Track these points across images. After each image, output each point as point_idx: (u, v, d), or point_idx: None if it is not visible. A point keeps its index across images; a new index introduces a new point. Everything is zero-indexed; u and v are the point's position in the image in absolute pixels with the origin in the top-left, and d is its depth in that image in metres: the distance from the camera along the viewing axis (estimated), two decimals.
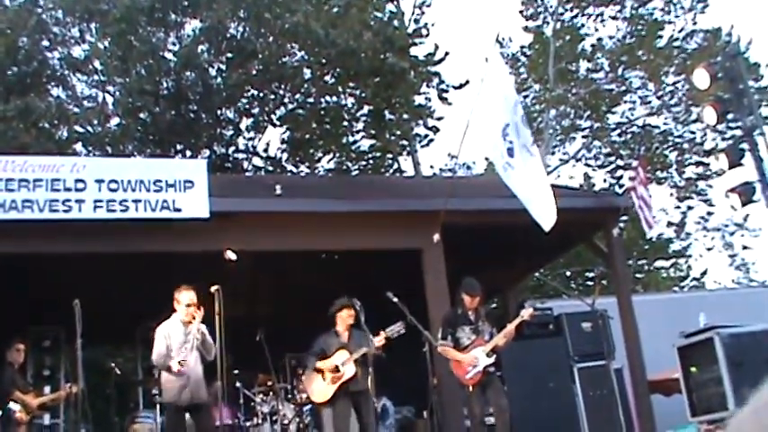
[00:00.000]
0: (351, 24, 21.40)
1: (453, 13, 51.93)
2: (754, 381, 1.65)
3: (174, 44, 22.28)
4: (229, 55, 22.11)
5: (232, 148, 24.37)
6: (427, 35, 24.83)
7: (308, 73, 22.95)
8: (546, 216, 9.17)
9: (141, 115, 22.05)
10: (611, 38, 28.14)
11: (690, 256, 31.58)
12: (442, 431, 11.16)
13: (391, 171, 26.56)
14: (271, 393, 12.07)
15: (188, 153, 22.36)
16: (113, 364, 13.76)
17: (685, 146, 28.14)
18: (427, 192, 13.58)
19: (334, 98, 24.30)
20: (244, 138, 24.71)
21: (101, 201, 9.84)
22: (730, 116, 10.59)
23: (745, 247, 31.76)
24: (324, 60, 21.97)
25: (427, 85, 24.75)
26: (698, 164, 28.12)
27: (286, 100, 23.85)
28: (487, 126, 10.15)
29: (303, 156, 25.53)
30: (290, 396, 12.17)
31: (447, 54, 24.18)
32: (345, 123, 25.29)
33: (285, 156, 25.34)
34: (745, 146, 10.18)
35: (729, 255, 32.31)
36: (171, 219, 10.11)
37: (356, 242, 11.32)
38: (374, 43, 21.61)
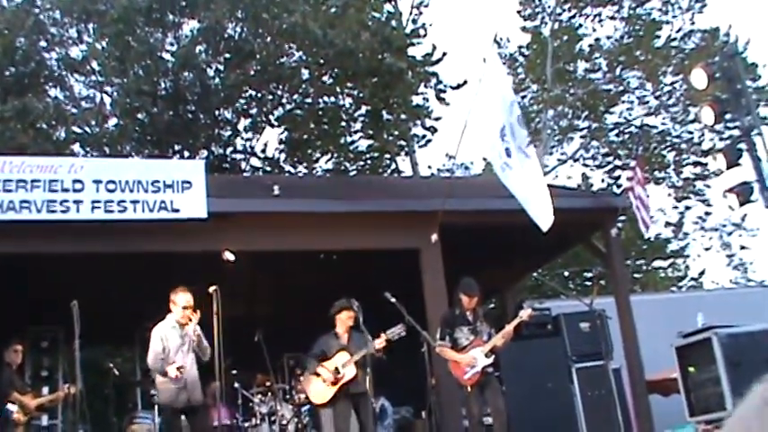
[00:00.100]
0: (349, 25, 21.41)
1: (451, 13, 52.00)
2: (752, 381, 1.65)
3: (171, 45, 22.27)
4: (227, 55, 22.11)
5: (230, 149, 24.38)
6: (425, 35, 24.87)
7: (305, 73, 22.97)
8: (543, 217, 9.17)
9: (139, 116, 22.03)
10: (608, 38, 28.22)
11: (688, 256, 31.62)
12: (440, 431, 11.16)
13: (389, 171, 26.57)
14: (269, 394, 12.08)
15: (186, 153, 22.35)
16: (111, 365, 13.74)
17: (683, 146, 28.17)
18: (425, 192, 13.58)
19: (332, 98, 24.32)
20: (242, 138, 24.75)
21: (99, 201, 9.83)
22: (728, 116, 10.58)
23: (742, 247, 31.79)
24: (322, 61, 21.98)
25: (425, 86, 24.78)
26: (696, 164, 28.15)
27: (284, 100, 23.85)
28: (485, 126, 10.15)
29: (301, 156, 25.54)
30: (288, 396, 12.18)
31: (445, 54, 24.23)
32: (343, 124, 25.31)
33: (283, 156, 25.35)
34: (742, 146, 10.18)
35: (727, 255, 32.32)
36: (169, 219, 10.10)
37: (354, 242, 11.32)
38: (372, 43, 21.62)
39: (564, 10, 28.15)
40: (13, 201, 9.52)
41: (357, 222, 11.26)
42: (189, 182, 10.29)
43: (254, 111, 23.83)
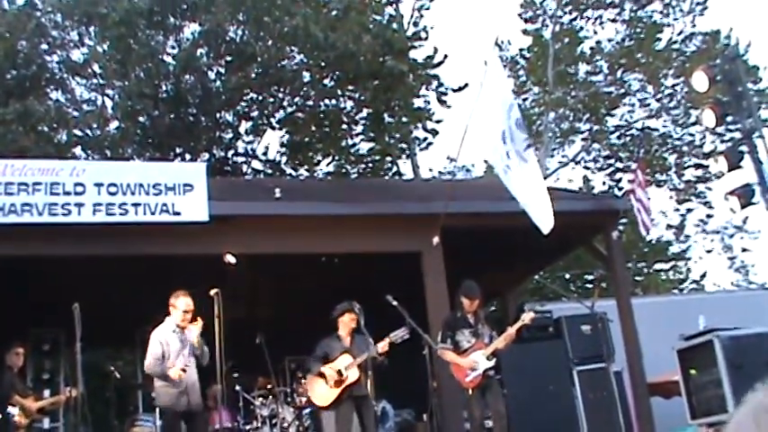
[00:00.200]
0: (350, 27, 21.43)
1: (452, 15, 52.01)
2: (753, 383, 1.65)
3: (173, 47, 22.29)
4: (228, 58, 22.12)
5: (231, 152, 24.39)
6: (426, 38, 24.90)
7: (307, 76, 22.98)
8: (544, 220, 9.17)
9: (140, 119, 22.07)
10: (610, 41, 28.22)
11: (689, 258, 31.61)
12: None
13: (390, 174, 26.57)
14: (270, 396, 12.07)
15: (187, 156, 22.36)
16: (113, 368, 13.73)
17: (684, 148, 28.16)
18: (427, 195, 13.57)
19: (334, 101, 24.33)
20: (243, 141, 24.76)
21: (100, 204, 9.84)
22: (729, 119, 10.57)
23: (744, 250, 31.79)
24: (323, 63, 22.00)
25: (426, 88, 24.80)
26: (697, 166, 28.14)
27: (285, 103, 23.86)
28: (487, 129, 10.15)
29: (302, 159, 25.54)
30: (289, 399, 12.17)
31: (446, 57, 24.27)
32: (344, 126, 25.32)
33: (284, 159, 25.37)
34: (744, 148, 10.18)
35: (729, 257, 32.33)
36: (170, 222, 10.10)
37: (356, 245, 11.32)
38: (373, 46, 21.64)
39: (565, 13, 28.16)
40: (15, 204, 9.53)
41: (358, 225, 11.25)
42: (190, 185, 10.30)
43: (255, 113, 23.85)
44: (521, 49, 29.83)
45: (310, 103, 23.89)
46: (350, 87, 23.60)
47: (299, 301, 14.02)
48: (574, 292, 26.00)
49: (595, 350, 11.88)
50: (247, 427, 11.90)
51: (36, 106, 19.96)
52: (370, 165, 26.63)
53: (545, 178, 25.71)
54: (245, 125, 24.29)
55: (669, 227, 30.30)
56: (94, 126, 22.69)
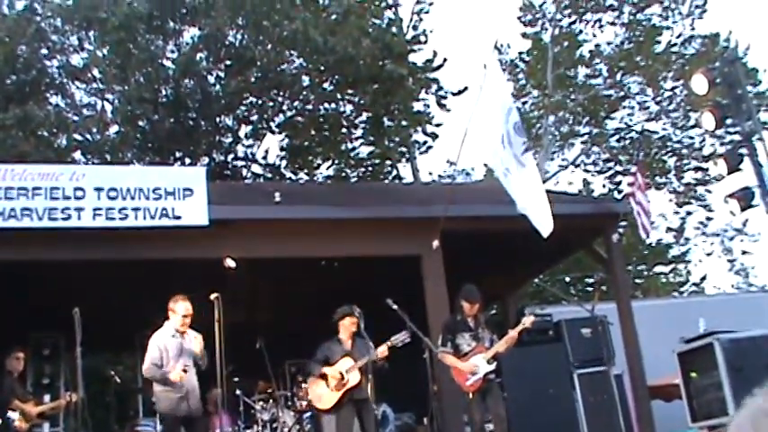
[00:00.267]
0: (349, 31, 21.44)
1: (452, 19, 52.03)
2: (754, 386, 1.65)
3: (172, 52, 22.31)
4: (228, 62, 22.14)
5: (231, 156, 24.39)
6: (426, 42, 24.92)
7: (306, 80, 22.98)
8: (543, 224, 9.17)
9: (140, 123, 22.08)
10: (609, 44, 28.24)
11: (689, 261, 31.65)
12: None
13: (390, 178, 26.57)
14: (271, 401, 12.06)
15: (187, 161, 22.38)
16: (113, 373, 13.75)
17: (684, 151, 28.18)
18: (426, 198, 13.57)
19: (333, 105, 24.34)
20: (243, 145, 24.76)
21: (100, 209, 9.84)
22: (729, 121, 10.58)
23: (744, 252, 31.83)
24: (322, 67, 22.01)
25: (426, 92, 24.82)
26: (697, 169, 28.16)
27: (285, 107, 23.87)
28: (486, 132, 10.15)
29: (302, 163, 25.55)
30: (290, 403, 12.16)
31: (445, 60, 24.27)
32: (344, 130, 25.33)
33: (284, 163, 25.37)
34: (743, 151, 10.19)
35: (729, 260, 32.40)
36: (170, 226, 10.10)
37: (355, 249, 11.32)
38: (373, 50, 21.66)
39: (564, 16, 28.18)
40: (15, 208, 9.53)
41: (358, 229, 11.25)
42: (190, 189, 10.30)
43: (254, 118, 23.85)
44: (520, 53, 29.90)
45: (310, 107, 23.89)
46: (349, 91, 23.62)
47: (299, 305, 14.02)
48: (574, 296, 26.01)
49: (596, 353, 11.88)
50: None
51: (36, 111, 19.97)
52: (370, 168, 26.63)
53: (545, 181, 25.76)
54: (244, 129, 24.31)
55: (669, 230, 30.36)
56: (94, 130, 22.71)
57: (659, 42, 27.34)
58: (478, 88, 10.40)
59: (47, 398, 11.59)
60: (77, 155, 22.69)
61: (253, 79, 22.00)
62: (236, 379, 11.94)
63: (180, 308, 8.64)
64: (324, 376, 9.25)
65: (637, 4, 27.36)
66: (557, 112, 28.09)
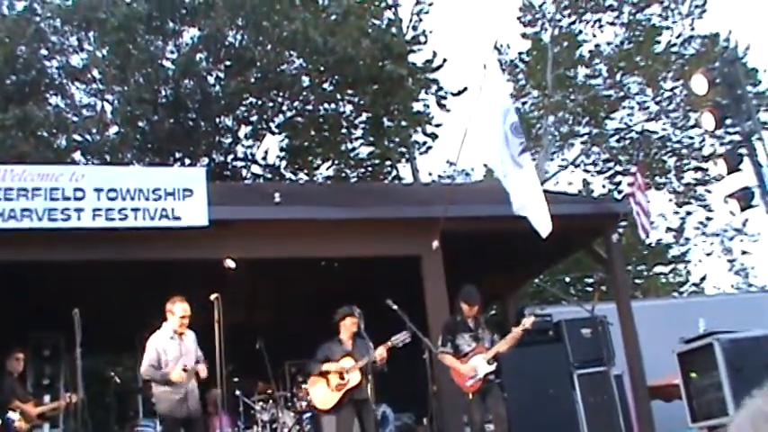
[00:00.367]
0: (349, 32, 21.43)
1: (451, 19, 52.03)
2: (754, 386, 1.65)
3: (172, 52, 22.30)
4: (228, 63, 22.14)
5: (231, 156, 24.38)
6: (425, 42, 24.91)
7: (306, 80, 22.98)
8: (542, 224, 9.17)
9: (140, 124, 22.07)
10: (609, 44, 28.23)
11: (689, 261, 31.65)
12: None
13: (390, 178, 26.56)
14: (270, 401, 12.06)
15: (187, 161, 22.38)
16: (113, 373, 13.75)
17: (684, 151, 28.18)
18: (426, 198, 13.58)
19: (333, 105, 24.33)
20: (242, 146, 24.76)
21: (100, 209, 9.84)
22: (729, 121, 10.59)
23: (744, 252, 31.83)
24: (322, 68, 22.00)
25: (426, 92, 24.82)
26: (696, 169, 28.16)
27: (284, 108, 23.87)
28: (486, 133, 10.16)
29: (302, 163, 25.55)
30: (289, 404, 12.16)
31: (445, 61, 24.26)
32: (344, 131, 25.32)
33: (284, 163, 25.37)
34: (743, 151, 10.20)
35: (728, 260, 32.39)
36: (170, 227, 10.10)
37: (355, 249, 11.32)
38: (372, 50, 21.66)
39: (564, 16, 28.17)
40: (15, 209, 9.53)
41: (358, 229, 11.26)
42: (190, 189, 10.30)
43: (254, 118, 23.85)
44: (520, 53, 29.89)
45: (310, 107, 23.89)
46: (349, 92, 23.61)
47: (299, 306, 14.03)
48: (574, 296, 26.02)
49: (596, 353, 11.88)
50: None
51: (35, 111, 19.96)
52: (370, 169, 26.62)
53: (545, 182, 25.85)
54: (244, 130, 24.30)
55: (669, 230, 30.35)
56: (94, 131, 22.70)
57: (659, 42, 27.34)
58: (478, 88, 10.40)
59: (47, 398, 11.59)
60: (77, 155, 22.70)
61: (252, 80, 22.00)
62: (235, 379, 11.95)
63: (177, 309, 8.64)
64: (325, 373, 9.24)
65: (636, 4, 27.36)
66: (556, 113, 28.09)
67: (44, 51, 22.17)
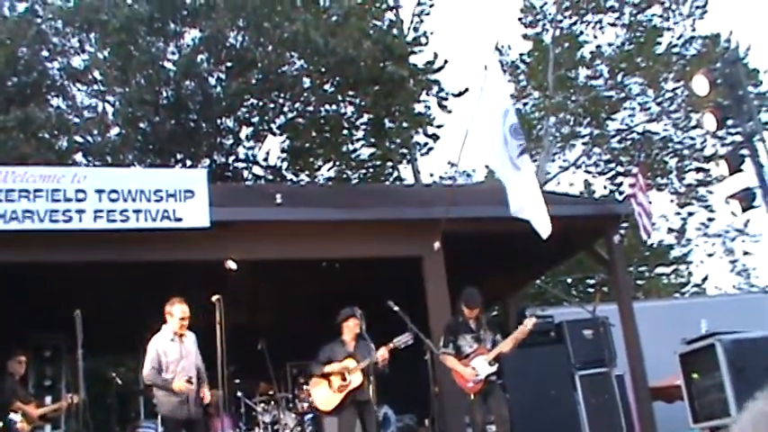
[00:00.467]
0: (350, 33, 21.43)
1: (452, 21, 52.03)
2: (756, 387, 1.65)
3: (173, 54, 22.30)
4: (229, 64, 22.14)
5: (232, 158, 24.39)
6: (426, 43, 24.92)
7: (307, 82, 22.98)
8: (541, 226, 9.16)
9: (141, 125, 22.08)
10: (610, 45, 28.20)
11: (691, 262, 31.64)
12: None
13: (391, 179, 26.56)
14: (272, 402, 12.06)
15: (188, 162, 22.38)
16: (114, 374, 13.73)
17: (685, 152, 28.16)
18: (428, 199, 13.58)
19: (334, 107, 24.33)
20: (244, 147, 24.76)
21: (101, 211, 9.84)
22: (730, 122, 10.59)
23: (745, 253, 31.82)
24: (323, 69, 22.00)
25: (427, 93, 24.82)
26: (698, 170, 28.14)
27: (286, 109, 23.87)
28: (487, 134, 10.16)
29: (303, 164, 25.55)
30: (291, 405, 12.16)
31: (446, 62, 24.26)
32: (345, 132, 25.32)
33: (285, 164, 25.37)
34: (745, 152, 10.19)
35: (730, 261, 32.38)
36: (172, 228, 10.10)
37: (356, 250, 11.32)
38: (373, 52, 21.66)
39: (565, 17, 28.17)
40: (16, 210, 9.53)
41: (359, 230, 11.25)
42: (191, 191, 10.30)
43: (255, 119, 23.85)
44: (521, 54, 29.88)
45: (311, 108, 23.89)
46: (350, 93, 23.61)
47: (301, 307, 14.03)
48: (575, 297, 26.01)
49: (597, 355, 11.87)
50: None
51: (37, 113, 19.96)
52: (371, 170, 26.63)
53: (546, 183, 25.87)
54: (245, 131, 24.31)
55: (670, 230, 30.35)
56: (95, 132, 22.69)
57: (660, 43, 27.32)
58: (479, 90, 10.41)
59: (48, 400, 11.59)
60: (78, 157, 22.69)
61: (254, 81, 22.00)
62: (237, 381, 11.94)
63: (176, 310, 8.63)
64: (327, 374, 9.24)
65: (637, 5, 27.35)
66: (558, 114, 28.08)
67: (45, 53, 22.17)
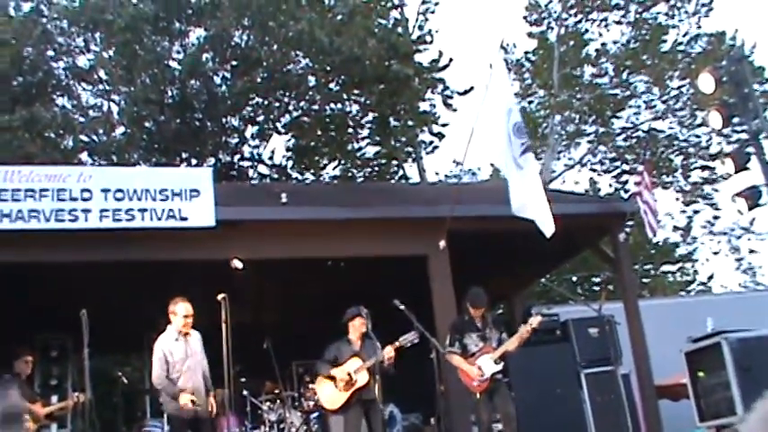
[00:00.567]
0: (355, 32, 21.43)
1: (457, 19, 51.99)
2: (762, 385, 1.65)
3: (178, 53, 22.32)
4: (234, 63, 22.14)
5: (237, 157, 24.40)
6: (431, 42, 24.86)
7: (312, 80, 22.98)
8: (544, 224, 9.15)
9: (146, 124, 22.09)
10: (615, 43, 28.20)
11: (696, 260, 31.61)
12: None
13: (396, 178, 26.56)
14: (278, 401, 12.08)
15: (193, 161, 22.40)
16: (120, 374, 13.77)
17: (691, 150, 28.13)
18: (433, 198, 13.56)
19: (339, 105, 24.32)
20: (249, 146, 24.78)
21: (107, 210, 9.86)
22: (736, 120, 10.57)
23: (751, 251, 31.78)
24: (328, 68, 22.00)
25: (432, 92, 24.78)
26: (704, 168, 28.10)
27: (291, 108, 23.87)
28: (493, 132, 10.15)
29: (308, 163, 25.56)
30: (297, 404, 12.17)
31: (451, 60, 24.20)
32: (350, 130, 25.32)
33: (290, 163, 25.39)
34: (750, 149, 10.18)
35: (736, 259, 32.31)
36: (177, 228, 10.11)
37: (362, 249, 11.31)
38: (378, 50, 21.65)
39: (570, 15, 28.14)
40: (22, 210, 9.55)
41: (365, 229, 11.25)
42: (197, 190, 10.31)
43: (261, 118, 23.86)
44: (526, 52, 29.89)
45: (316, 107, 23.89)
46: (355, 91, 23.60)
47: (306, 306, 14.03)
48: (581, 295, 26.00)
49: (603, 353, 11.85)
50: None
51: (42, 113, 19.99)
52: (377, 168, 26.63)
53: (551, 181, 25.86)
54: (250, 130, 24.31)
55: (676, 229, 30.33)
56: (101, 132, 22.72)
57: (665, 41, 27.31)
58: (484, 88, 10.40)
59: (54, 399, 11.60)
60: (84, 156, 22.73)
61: (259, 80, 22.00)
62: (243, 380, 11.96)
63: (180, 309, 8.64)
64: (332, 376, 9.25)
65: (643, 2, 27.32)
66: (563, 112, 28.06)
67: (51, 52, 22.19)
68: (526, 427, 9.95)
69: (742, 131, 13.45)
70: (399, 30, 24.98)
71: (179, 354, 8.55)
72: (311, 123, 24.22)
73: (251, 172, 24.72)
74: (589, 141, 29.48)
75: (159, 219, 10.04)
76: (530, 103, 29.43)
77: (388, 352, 9.00)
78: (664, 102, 27.89)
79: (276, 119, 23.96)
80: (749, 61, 22.73)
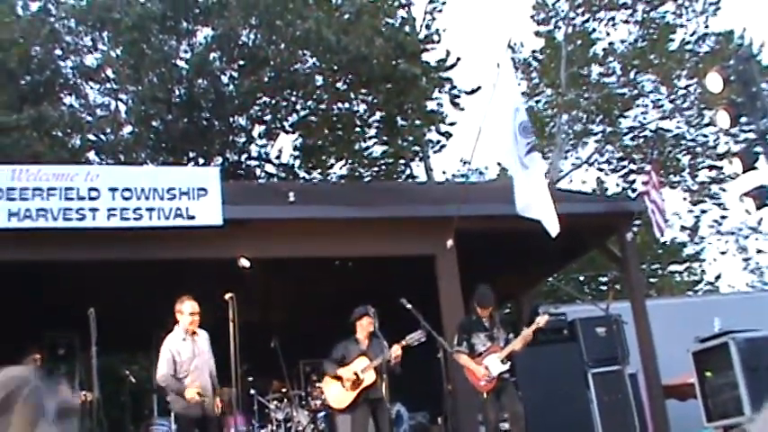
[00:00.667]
0: (362, 31, 21.44)
1: (465, 18, 51.97)
2: None
3: (186, 52, 22.35)
4: (241, 62, 22.17)
5: (245, 156, 24.44)
6: (439, 41, 24.87)
7: (319, 80, 23.00)
8: (549, 224, 9.14)
9: (154, 123, 22.13)
10: (622, 42, 28.14)
11: (704, 260, 31.55)
12: None
13: (404, 177, 26.57)
14: (285, 400, 12.08)
15: (201, 161, 22.43)
16: (128, 372, 13.78)
17: (698, 149, 28.06)
18: (440, 197, 13.56)
19: (347, 104, 24.35)
20: (256, 145, 24.82)
21: (114, 209, 9.87)
22: (744, 119, 10.55)
23: (759, 251, 31.72)
24: (335, 67, 22.01)
25: (439, 91, 24.79)
26: (711, 167, 28.03)
27: (298, 107, 23.89)
28: (500, 131, 10.15)
29: (316, 162, 25.58)
30: (304, 403, 12.18)
31: (459, 59, 24.22)
32: (357, 130, 25.34)
33: (298, 162, 25.42)
34: (758, 149, 10.15)
35: (743, 258, 32.26)
36: (185, 226, 10.12)
37: (369, 248, 11.31)
38: (386, 49, 21.65)
39: (577, 14, 28.10)
40: (30, 209, 9.57)
41: (372, 229, 11.25)
42: (204, 189, 10.32)
43: (268, 117, 23.88)
44: (533, 51, 29.82)
45: (323, 106, 23.91)
46: (363, 91, 23.61)
47: (314, 305, 14.03)
48: (588, 295, 25.96)
49: (610, 352, 11.83)
50: (262, 431, 11.91)
51: (50, 111, 20.04)
52: (384, 168, 26.64)
53: (558, 180, 25.83)
54: (258, 129, 24.36)
55: (683, 228, 30.26)
56: (108, 131, 22.77)
57: (673, 40, 27.24)
58: (492, 87, 10.40)
59: None
60: (91, 155, 22.79)
61: (266, 79, 22.02)
62: (250, 378, 11.96)
63: (186, 307, 8.65)
64: (339, 376, 9.25)
65: (650, 1, 27.26)
66: (570, 111, 28.02)
67: (58, 51, 22.25)
68: (533, 427, 9.95)
69: (750, 131, 13.40)
70: (407, 29, 25.00)
71: (186, 353, 8.56)
72: (318, 122, 24.24)
73: (258, 171, 24.78)
74: (596, 141, 29.44)
75: (167, 218, 10.05)
76: (537, 102, 29.39)
77: (395, 351, 9.00)
78: (671, 101, 27.83)
79: (283, 118, 23.98)
80: (757, 60, 22.64)
